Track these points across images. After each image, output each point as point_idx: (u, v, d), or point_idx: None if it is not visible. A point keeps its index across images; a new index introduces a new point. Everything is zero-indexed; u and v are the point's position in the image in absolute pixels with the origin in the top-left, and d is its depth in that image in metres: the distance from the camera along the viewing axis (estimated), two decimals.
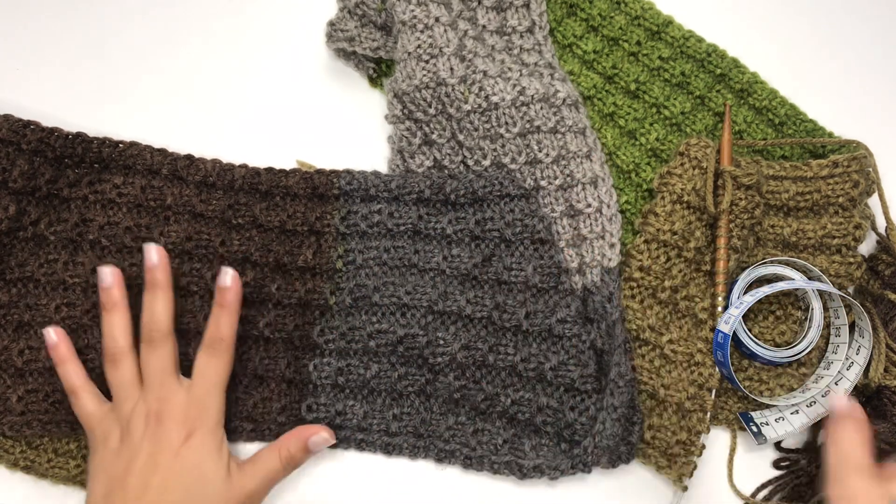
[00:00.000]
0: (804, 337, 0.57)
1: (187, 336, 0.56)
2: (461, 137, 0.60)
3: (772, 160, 0.61)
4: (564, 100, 0.60)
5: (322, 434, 0.55)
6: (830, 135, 0.62)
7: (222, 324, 0.54)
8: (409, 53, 0.59)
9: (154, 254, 0.54)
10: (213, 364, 0.54)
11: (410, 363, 0.57)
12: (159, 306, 0.54)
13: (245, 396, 0.58)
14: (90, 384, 0.54)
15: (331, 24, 0.64)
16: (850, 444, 0.47)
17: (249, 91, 0.66)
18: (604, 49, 0.65)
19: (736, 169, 0.57)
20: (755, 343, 0.56)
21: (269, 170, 0.60)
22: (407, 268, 0.58)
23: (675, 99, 0.64)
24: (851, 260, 0.57)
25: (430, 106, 0.60)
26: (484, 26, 0.63)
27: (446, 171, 0.60)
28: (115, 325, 0.54)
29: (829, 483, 0.47)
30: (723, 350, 0.55)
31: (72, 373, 0.54)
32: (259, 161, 0.61)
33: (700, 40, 0.65)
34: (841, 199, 0.58)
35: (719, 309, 0.57)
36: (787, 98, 0.63)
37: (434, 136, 0.60)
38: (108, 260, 0.57)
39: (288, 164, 0.62)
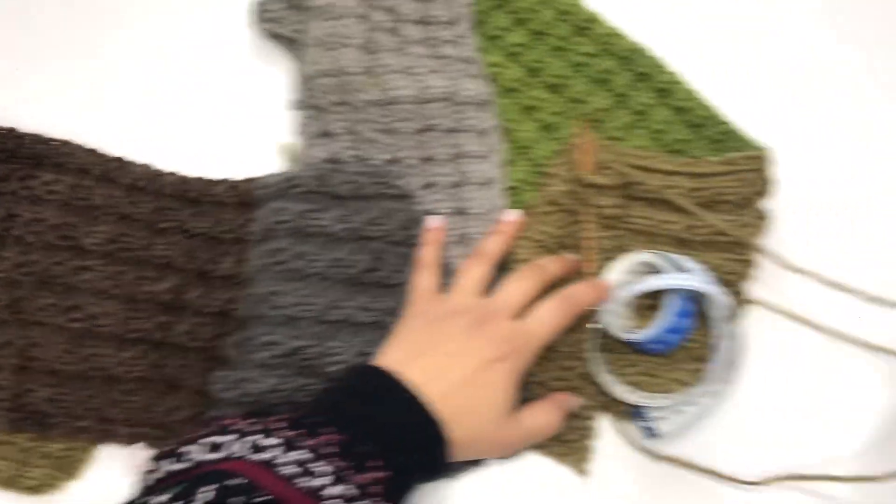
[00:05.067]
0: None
1: (100, 338, 0.56)
2: (359, 129, 0.60)
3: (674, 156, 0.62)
4: (471, 98, 0.60)
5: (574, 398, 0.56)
6: (743, 139, 0.62)
7: (583, 288, 0.56)
8: (316, 39, 0.59)
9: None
10: (556, 314, 0.54)
11: (306, 373, 0.55)
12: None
13: (157, 401, 0.56)
14: (439, 269, 0.57)
15: (259, 3, 0.65)
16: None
17: (183, 88, 0.65)
18: (529, 42, 0.65)
19: (594, 176, 0.58)
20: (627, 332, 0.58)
21: (199, 179, 0.59)
22: (291, 273, 0.56)
23: (595, 95, 0.64)
24: (743, 257, 0.58)
25: (331, 94, 0.60)
26: (406, 15, 0.63)
27: (341, 164, 0.60)
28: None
29: None
30: (645, 346, 0.57)
31: (432, 253, 0.57)
32: (197, 156, 0.60)
33: (624, 38, 0.64)
34: (734, 198, 0.58)
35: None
36: (705, 99, 0.63)
37: (332, 127, 0.60)
38: (31, 257, 0.56)
39: (220, 161, 0.61)
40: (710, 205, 0.59)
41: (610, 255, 0.59)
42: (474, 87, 0.61)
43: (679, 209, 0.59)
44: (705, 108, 0.63)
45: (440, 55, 0.63)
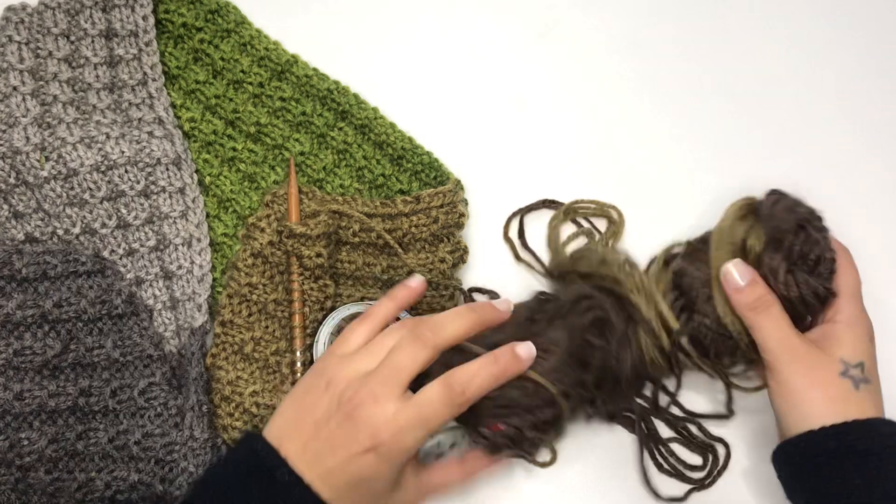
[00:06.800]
0: None
1: None
2: (46, 206, 0.57)
3: (390, 194, 0.61)
4: (159, 160, 0.59)
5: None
6: (441, 169, 0.61)
7: (473, 371, 0.48)
8: None
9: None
10: (441, 401, 0.46)
11: None
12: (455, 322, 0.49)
13: None
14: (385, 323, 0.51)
15: None
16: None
17: None
18: (226, 93, 0.63)
19: (301, 226, 0.56)
20: None
21: None
22: None
23: (295, 139, 0.62)
24: (444, 293, 0.57)
25: (8, 176, 0.57)
26: (90, 85, 0.61)
27: (39, 245, 0.57)
28: None
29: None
30: None
31: (387, 309, 0.51)
32: None
33: (323, 78, 0.63)
34: (424, 235, 0.58)
35: (299, 364, 0.55)
36: (404, 132, 0.62)
37: (20, 208, 0.58)
38: None
39: None
40: (405, 244, 0.58)
41: (326, 303, 0.57)
42: (163, 147, 0.59)
43: (380, 250, 0.58)
44: (405, 140, 0.62)
45: (128, 119, 0.61)
